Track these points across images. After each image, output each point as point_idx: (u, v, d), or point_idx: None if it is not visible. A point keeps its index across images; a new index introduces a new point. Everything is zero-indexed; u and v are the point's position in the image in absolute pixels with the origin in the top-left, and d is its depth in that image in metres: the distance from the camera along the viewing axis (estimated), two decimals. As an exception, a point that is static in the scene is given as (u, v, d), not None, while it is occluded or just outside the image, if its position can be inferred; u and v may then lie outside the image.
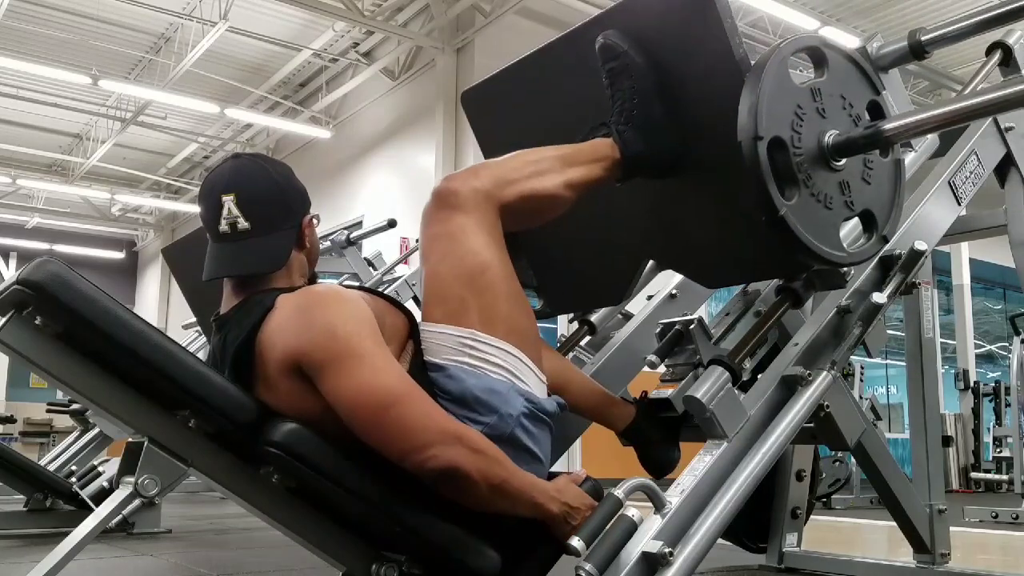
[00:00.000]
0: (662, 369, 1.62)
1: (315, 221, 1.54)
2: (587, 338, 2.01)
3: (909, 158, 1.78)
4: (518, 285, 1.48)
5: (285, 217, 1.46)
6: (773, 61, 1.31)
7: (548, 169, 1.49)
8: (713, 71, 1.43)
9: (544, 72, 1.74)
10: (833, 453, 5.48)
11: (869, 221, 1.45)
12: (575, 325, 2.03)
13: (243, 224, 1.42)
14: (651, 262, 1.83)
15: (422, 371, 1.39)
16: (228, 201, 1.42)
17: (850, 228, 1.53)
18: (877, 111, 1.44)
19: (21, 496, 3.44)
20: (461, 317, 1.40)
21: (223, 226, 1.42)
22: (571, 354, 1.96)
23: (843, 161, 1.38)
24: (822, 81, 1.39)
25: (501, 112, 1.87)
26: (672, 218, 1.65)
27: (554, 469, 1.53)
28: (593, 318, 2.01)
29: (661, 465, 1.69)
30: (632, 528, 1.23)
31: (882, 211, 1.45)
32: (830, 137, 1.37)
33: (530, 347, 1.45)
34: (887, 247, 1.48)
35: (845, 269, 1.48)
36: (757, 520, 2.34)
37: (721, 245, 1.58)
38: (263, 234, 1.43)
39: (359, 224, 4.11)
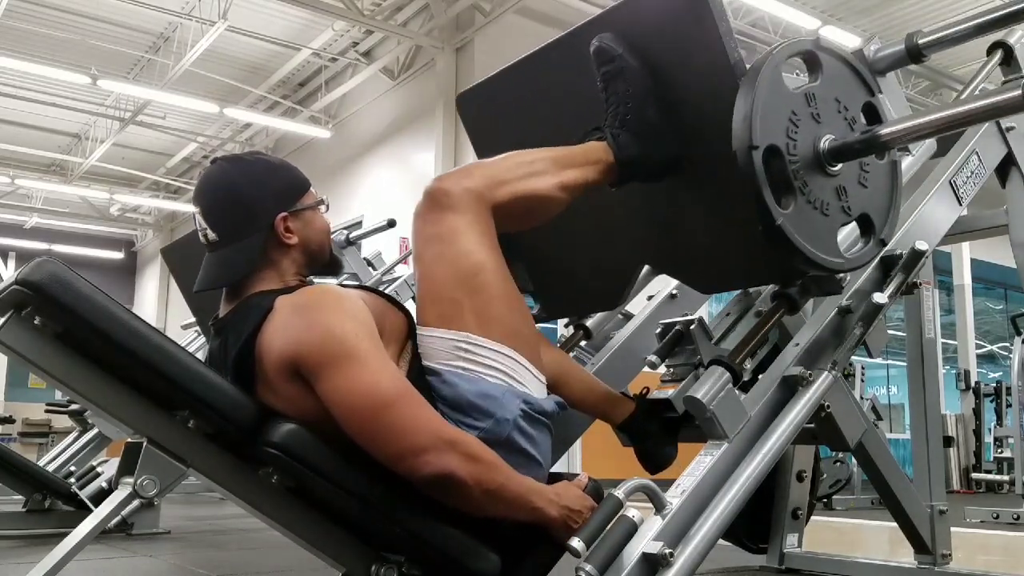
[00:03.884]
0: (662, 370, 1.62)
1: (321, 209, 1.52)
2: (584, 341, 2.00)
3: (906, 162, 1.78)
4: (513, 285, 1.46)
5: (249, 222, 1.43)
6: (767, 68, 1.30)
7: (542, 170, 1.47)
8: (708, 75, 1.41)
9: (539, 75, 1.73)
10: (834, 454, 5.47)
11: (867, 225, 1.44)
12: (572, 328, 2.02)
13: (212, 235, 1.43)
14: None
15: (421, 373, 1.38)
16: (197, 214, 1.44)
17: (848, 231, 1.52)
18: (873, 113, 1.43)
19: (20, 496, 3.44)
20: (455, 320, 1.39)
21: (200, 237, 1.44)
22: (571, 355, 1.95)
23: (839, 166, 1.37)
24: (816, 85, 1.37)
25: (496, 115, 1.86)
26: (667, 222, 1.64)
27: (554, 470, 1.52)
28: (589, 322, 2.01)
29: (658, 461, 1.69)
30: (633, 529, 1.23)
31: (879, 215, 1.45)
32: (826, 142, 1.35)
33: (527, 347, 1.43)
34: (887, 247, 1.47)
35: (842, 275, 1.47)
36: (758, 521, 2.33)
37: (716, 250, 1.57)
38: (230, 243, 1.43)
39: (359, 224, 4.08)
